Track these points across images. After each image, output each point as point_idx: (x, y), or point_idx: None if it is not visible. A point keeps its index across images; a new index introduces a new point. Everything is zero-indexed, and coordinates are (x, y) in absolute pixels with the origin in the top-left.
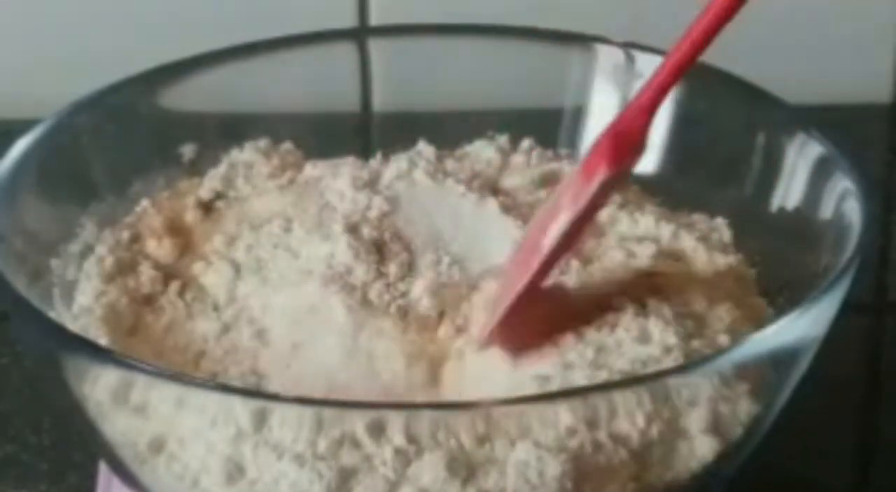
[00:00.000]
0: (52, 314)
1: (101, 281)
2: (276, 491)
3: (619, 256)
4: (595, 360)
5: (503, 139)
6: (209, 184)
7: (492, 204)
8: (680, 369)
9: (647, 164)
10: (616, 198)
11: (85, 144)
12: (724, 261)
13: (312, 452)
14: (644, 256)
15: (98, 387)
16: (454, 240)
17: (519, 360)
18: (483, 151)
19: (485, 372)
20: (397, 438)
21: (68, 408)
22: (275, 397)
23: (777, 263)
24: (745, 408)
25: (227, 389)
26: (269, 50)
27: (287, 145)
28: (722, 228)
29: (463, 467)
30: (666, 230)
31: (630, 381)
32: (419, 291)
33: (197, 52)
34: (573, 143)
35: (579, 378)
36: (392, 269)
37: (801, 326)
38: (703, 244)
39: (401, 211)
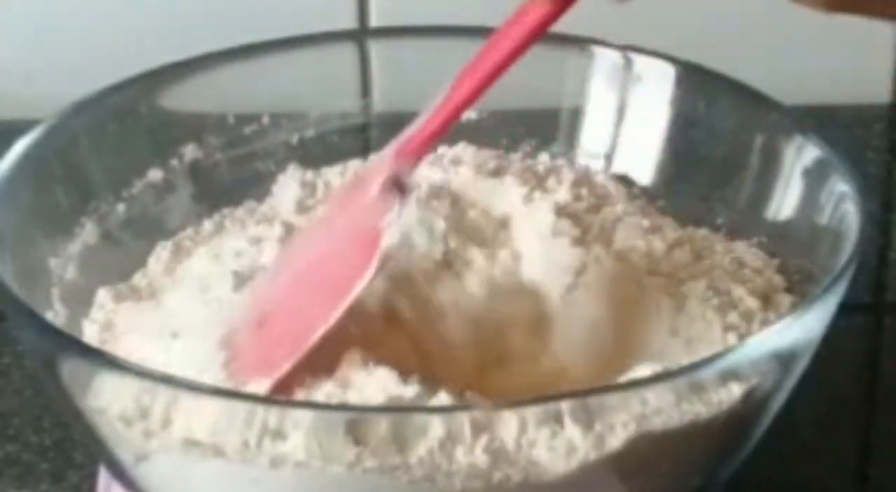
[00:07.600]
0: (49, 314)
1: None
2: None
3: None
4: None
5: None
6: None
7: None
8: (679, 371)
9: (646, 166)
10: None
11: (85, 144)
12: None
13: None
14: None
15: (93, 388)
16: None
17: None
18: None
19: None
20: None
21: (66, 409)
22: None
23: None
24: (744, 409)
25: (225, 392)
26: (269, 50)
27: None
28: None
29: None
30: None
31: (629, 383)
32: None
33: (197, 53)
34: (571, 144)
35: None
36: None
37: (799, 328)
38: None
39: None
